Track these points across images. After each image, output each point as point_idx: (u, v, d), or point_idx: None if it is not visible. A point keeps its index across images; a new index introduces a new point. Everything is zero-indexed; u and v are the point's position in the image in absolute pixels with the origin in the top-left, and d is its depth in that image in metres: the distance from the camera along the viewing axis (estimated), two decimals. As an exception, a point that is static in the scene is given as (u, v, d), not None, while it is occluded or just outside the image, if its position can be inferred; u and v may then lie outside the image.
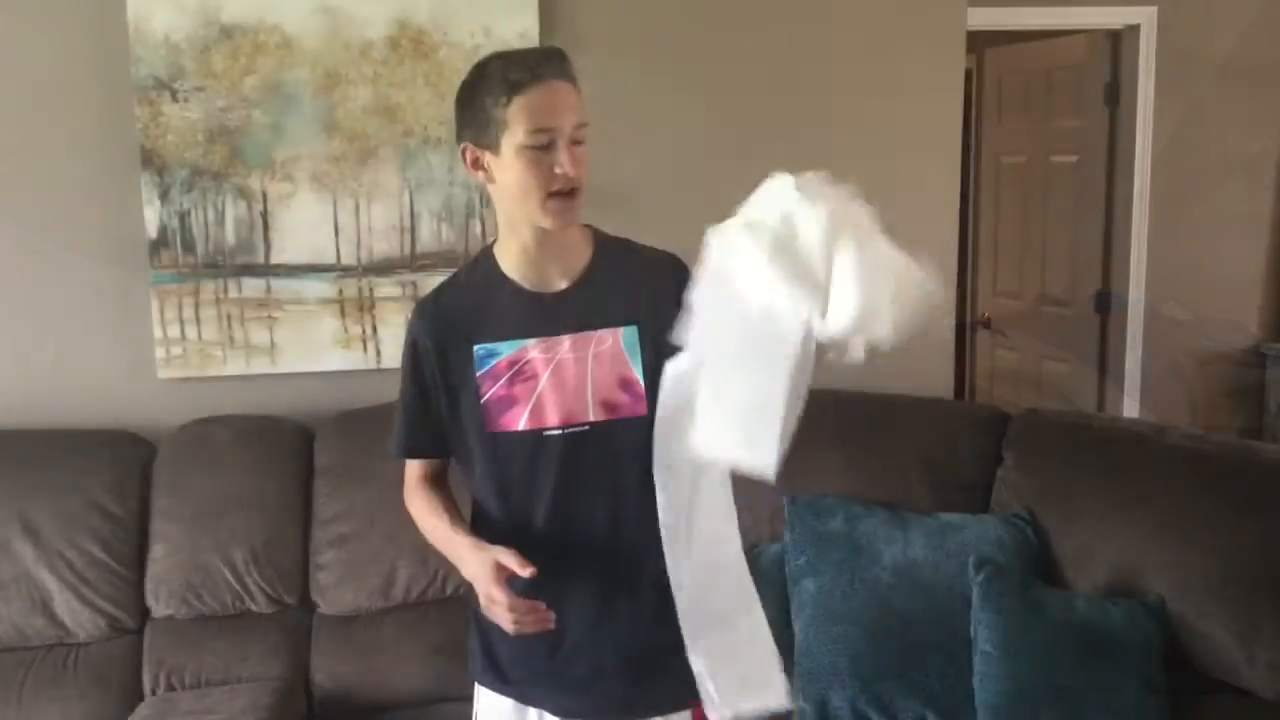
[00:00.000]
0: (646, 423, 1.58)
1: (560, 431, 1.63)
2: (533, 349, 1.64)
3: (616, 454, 1.63)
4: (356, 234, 2.98)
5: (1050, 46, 4.59)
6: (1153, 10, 4.22)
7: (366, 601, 2.70)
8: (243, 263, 2.93)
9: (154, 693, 2.58)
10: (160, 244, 2.88)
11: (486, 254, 1.72)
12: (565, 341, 1.64)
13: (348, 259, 2.98)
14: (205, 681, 2.59)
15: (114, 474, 2.69)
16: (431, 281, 2.99)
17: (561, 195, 1.56)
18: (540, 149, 1.53)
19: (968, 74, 3.73)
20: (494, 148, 1.56)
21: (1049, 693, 2.24)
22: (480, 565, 1.56)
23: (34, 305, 2.87)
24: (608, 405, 1.64)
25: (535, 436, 1.63)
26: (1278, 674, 2.17)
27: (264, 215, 2.93)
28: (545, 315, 1.65)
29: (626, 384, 1.64)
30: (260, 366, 2.97)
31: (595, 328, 1.64)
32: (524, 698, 1.74)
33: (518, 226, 1.64)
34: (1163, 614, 2.29)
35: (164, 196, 2.87)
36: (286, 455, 2.78)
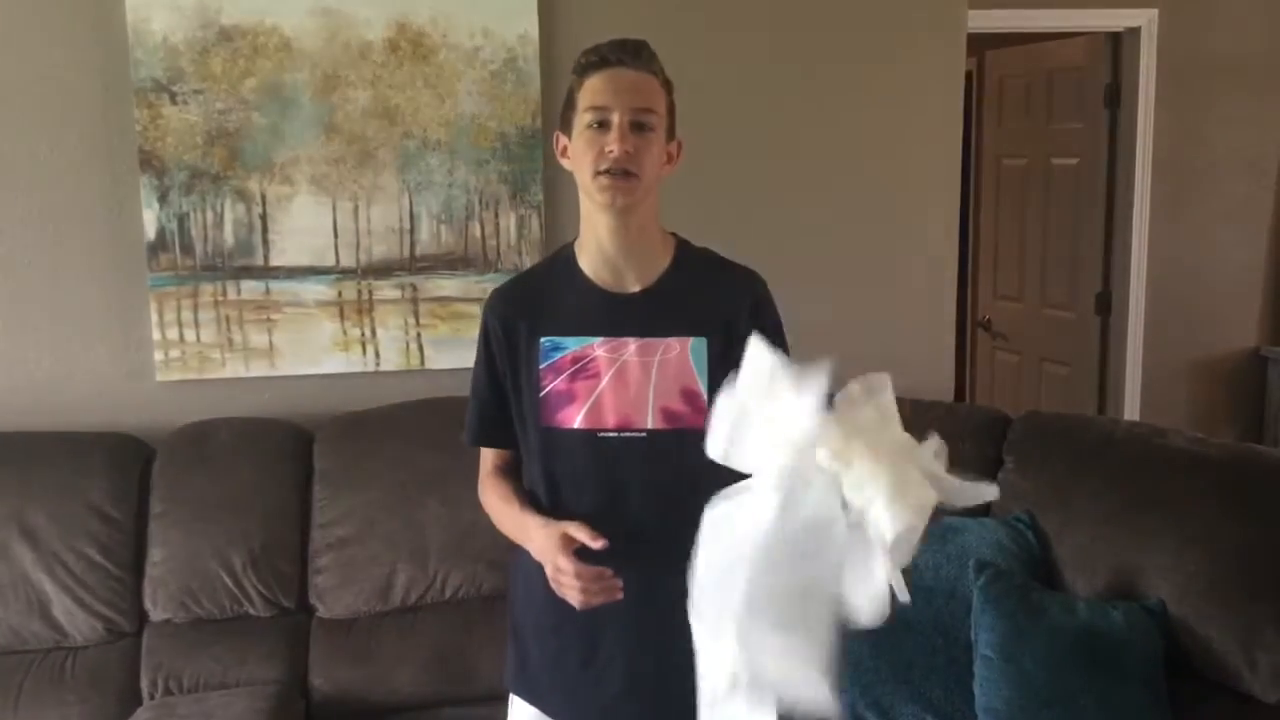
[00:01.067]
0: (704, 436, 1.56)
1: (615, 434, 1.62)
2: (598, 347, 1.63)
3: (671, 464, 1.61)
4: (356, 236, 2.97)
5: (1051, 49, 4.59)
6: (1153, 13, 4.22)
7: (365, 605, 2.69)
8: (242, 265, 2.93)
9: (152, 697, 2.57)
10: (159, 246, 2.88)
11: (567, 249, 1.74)
12: (631, 344, 1.63)
13: (347, 261, 2.97)
14: (203, 685, 2.58)
15: (112, 477, 2.68)
16: (431, 284, 3.01)
17: (611, 175, 1.58)
18: (595, 128, 1.59)
19: (968, 76, 3.73)
20: (570, 129, 1.64)
21: (1050, 697, 2.23)
22: (548, 538, 1.56)
23: (32, 307, 2.87)
24: (668, 414, 1.63)
25: (589, 436, 1.63)
26: (1279, 678, 2.17)
27: (263, 217, 2.92)
28: (615, 315, 1.65)
29: (689, 395, 1.63)
30: (259, 369, 2.97)
31: (664, 334, 1.64)
32: (554, 710, 1.73)
33: (593, 218, 1.66)
34: (1163, 617, 2.29)
35: (163, 199, 2.86)
36: (285, 458, 2.77)
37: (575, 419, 1.63)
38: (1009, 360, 5.01)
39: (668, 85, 1.66)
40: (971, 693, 2.32)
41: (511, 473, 1.77)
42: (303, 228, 2.94)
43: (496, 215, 3.02)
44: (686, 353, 1.63)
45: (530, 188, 3.02)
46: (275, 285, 2.95)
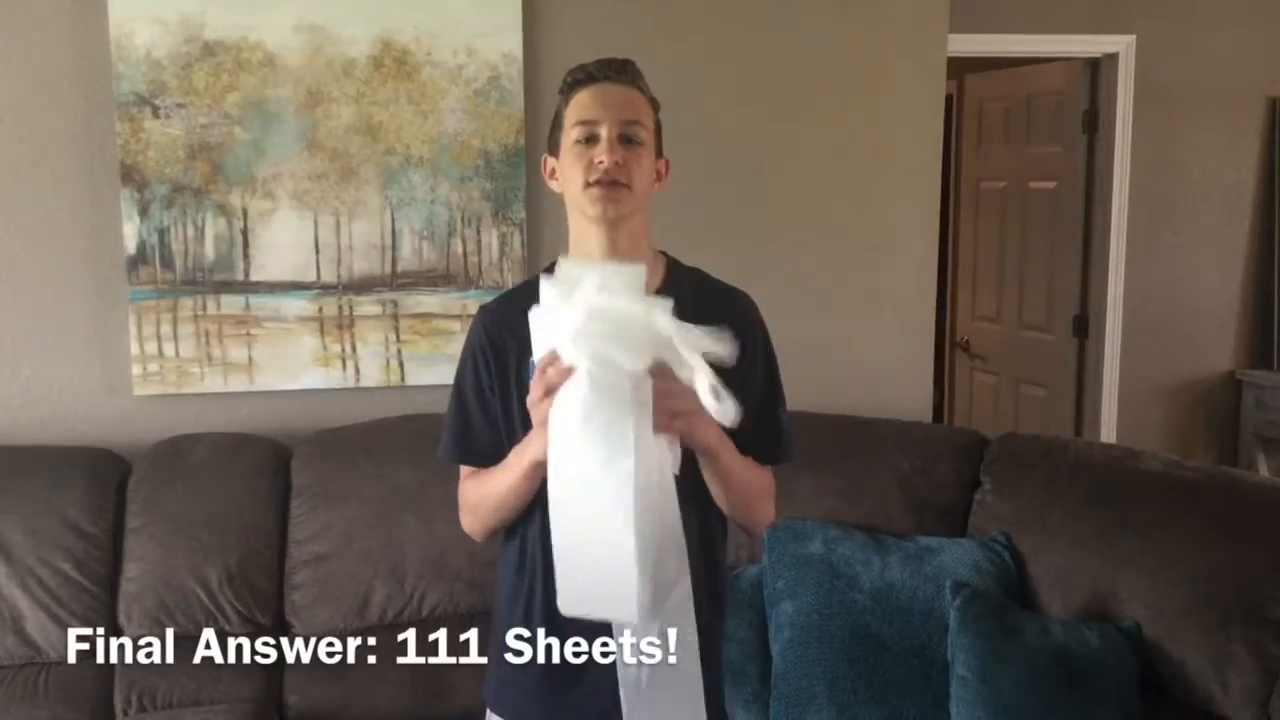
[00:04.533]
0: (693, 454, 1.56)
1: None
2: None
3: None
4: (337, 252, 2.97)
5: (1030, 74, 4.64)
6: (1130, 39, 4.27)
7: (341, 622, 2.67)
8: (222, 279, 2.92)
9: (125, 714, 2.54)
10: (139, 260, 2.87)
11: (556, 267, 1.73)
12: None
13: (328, 277, 2.97)
14: (177, 702, 2.55)
15: (88, 491, 2.66)
16: (412, 300, 3.01)
17: (602, 185, 1.58)
18: (584, 142, 1.60)
19: (948, 99, 3.77)
20: (557, 150, 1.65)
21: (1025, 717, 2.25)
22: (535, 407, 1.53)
23: (10, 320, 2.85)
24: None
25: None
26: (1252, 700, 2.18)
27: (244, 232, 2.92)
28: None
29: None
30: (238, 384, 2.96)
31: None
32: None
33: (583, 235, 1.65)
34: (1138, 639, 2.30)
35: (143, 212, 2.85)
36: (262, 474, 2.76)
37: None
38: (987, 381, 5.05)
39: (654, 103, 1.67)
40: (948, 713, 2.33)
41: None
42: (284, 243, 2.94)
43: (479, 232, 3.03)
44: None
45: (513, 205, 3.03)
46: (255, 300, 2.94)
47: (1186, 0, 4.34)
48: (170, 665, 2.58)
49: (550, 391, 1.44)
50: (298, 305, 2.96)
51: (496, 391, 1.68)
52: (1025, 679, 2.27)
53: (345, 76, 2.91)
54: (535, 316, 1.48)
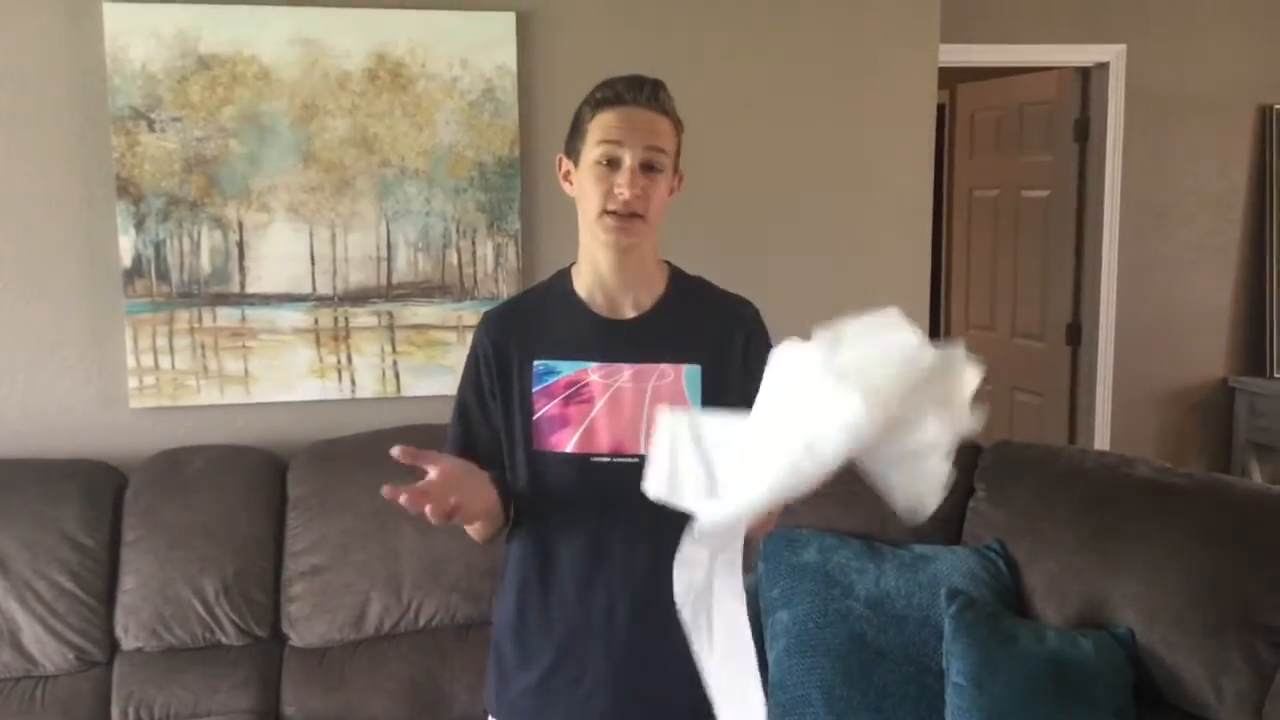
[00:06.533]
0: None
1: (608, 459, 1.62)
2: (593, 372, 1.64)
3: None
4: (332, 264, 2.98)
5: (1022, 83, 4.67)
6: (1121, 48, 4.30)
7: (338, 634, 2.68)
8: (217, 292, 2.93)
9: (122, 726, 2.55)
10: (135, 273, 2.88)
11: (562, 274, 1.74)
12: (626, 370, 1.64)
13: (323, 289, 2.98)
14: (174, 715, 2.56)
15: (84, 504, 2.66)
16: (408, 311, 3.02)
17: (617, 215, 1.59)
18: (605, 165, 1.59)
19: (940, 109, 3.79)
20: (576, 160, 1.64)
21: (1020, 725, 2.25)
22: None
23: (6, 332, 2.85)
24: None
25: (582, 461, 1.63)
26: (1246, 706, 2.19)
27: (240, 245, 2.93)
28: (611, 341, 1.66)
29: None
30: (234, 396, 2.96)
31: (659, 361, 1.64)
32: None
33: (591, 247, 1.66)
34: (1132, 646, 2.31)
35: (139, 225, 2.86)
36: (259, 486, 2.76)
37: (568, 443, 1.63)
38: (980, 389, 5.06)
39: (678, 125, 1.67)
40: (943, 720, 2.33)
41: None
42: (280, 255, 2.95)
43: (474, 243, 3.04)
44: (680, 379, 1.65)
45: (507, 216, 3.04)
46: (251, 312, 2.95)
47: (1177, 10, 4.37)
48: (167, 677, 2.59)
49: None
50: (293, 317, 2.97)
51: (499, 397, 1.69)
52: (1020, 686, 2.28)
53: (340, 89, 2.93)
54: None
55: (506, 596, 1.76)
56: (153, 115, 2.84)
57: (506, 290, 3.03)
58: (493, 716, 1.78)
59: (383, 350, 3.03)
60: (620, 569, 1.64)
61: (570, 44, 3.07)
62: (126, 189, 2.85)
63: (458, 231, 3.03)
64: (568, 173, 1.68)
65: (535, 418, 1.65)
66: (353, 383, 3.02)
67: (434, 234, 3.02)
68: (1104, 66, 4.32)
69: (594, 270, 1.67)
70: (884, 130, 3.30)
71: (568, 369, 1.65)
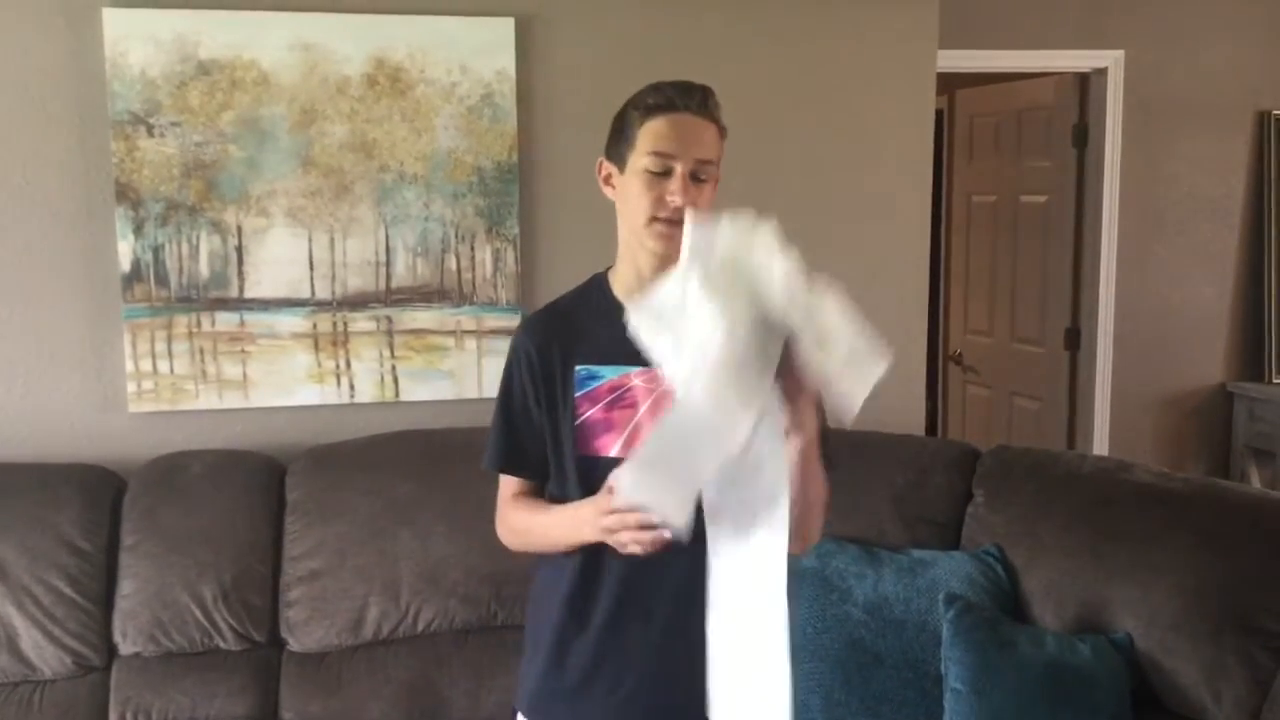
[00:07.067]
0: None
1: None
2: (636, 377, 1.63)
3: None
4: (331, 269, 2.98)
5: (1020, 89, 4.68)
6: (1120, 54, 4.30)
7: (336, 639, 2.68)
8: (216, 296, 2.93)
9: (120, 731, 2.55)
10: (134, 277, 2.88)
11: (599, 279, 1.74)
12: None
13: (322, 293, 2.98)
14: (172, 719, 2.56)
15: (83, 509, 2.66)
16: (406, 316, 3.02)
17: (668, 223, 1.58)
18: (657, 174, 1.59)
19: (939, 114, 3.79)
20: (622, 165, 1.64)
21: (1019, 730, 2.25)
22: (589, 506, 1.55)
23: (4, 337, 2.86)
24: None
25: None
26: (1243, 711, 2.19)
27: (239, 249, 2.93)
28: None
29: None
30: (233, 401, 2.96)
31: None
32: None
33: (634, 251, 1.66)
34: (1130, 651, 2.31)
35: (138, 230, 2.86)
36: (257, 490, 2.76)
37: (612, 447, 1.63)
38: (980, 394, 5.06)
39: (723, 132, 1.68)
40: (942, 726, 2.33)
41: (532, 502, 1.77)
42: (278, 260, 2.95)
43: (472, 248, 3.04)
44: None
45: (506, 221, 3.04)
46: (250, 317, 2.95)
47: (1175, 16, 4.37)
48: (165, 682, 2.59)
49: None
50: (292, 322, 2.97)
51: (543, 404, 1.69)
52: (1018, 691, 2.28)
53: (339, 94, 2.93)
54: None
55: (548, 595, 1.75)
56: (152, 120, 2.84)
57: (505, 295, 3.03)
58: (523, 716, 1.78)
59: (381, 355, 3.03)
60: (660, 574, 1.62)
61: (569, 50, 3.07)
62: (125, 194, 2.85)
63: (456, 236, 3.03)
64: (609, 176, 1.67)
65: (579, 422, 1.65)
66: (351, 388, 3.02)
67: (433, 239, 3.02)
68: (1102, 72, 4.32)
69: (636, 275, 1.66)
70: (883, 135, 3.31)
71: (610, 373, 1.64)
